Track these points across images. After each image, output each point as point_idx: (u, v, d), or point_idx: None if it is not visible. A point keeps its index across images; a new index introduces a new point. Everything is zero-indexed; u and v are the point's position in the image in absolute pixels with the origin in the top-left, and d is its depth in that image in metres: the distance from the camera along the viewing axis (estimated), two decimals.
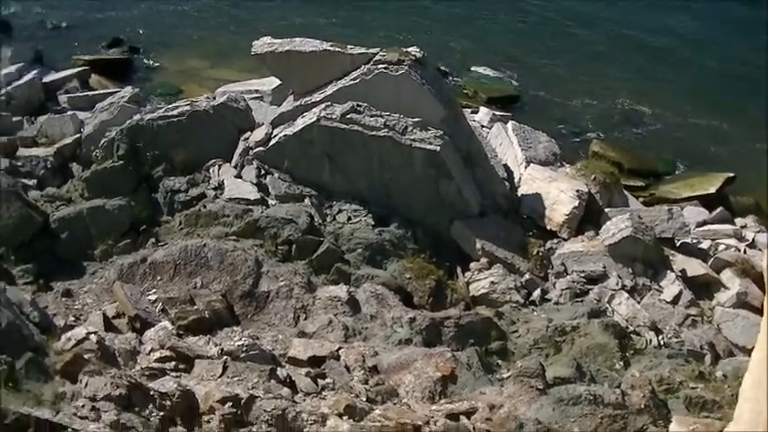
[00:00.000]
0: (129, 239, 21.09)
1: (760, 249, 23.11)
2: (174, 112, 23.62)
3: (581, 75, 35.15)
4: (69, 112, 26.54)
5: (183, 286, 18.85)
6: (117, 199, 21.68)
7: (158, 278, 19.16)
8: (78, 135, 24.90)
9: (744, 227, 25.54)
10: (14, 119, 26.47)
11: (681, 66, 36.04)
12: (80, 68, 31.92)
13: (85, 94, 29.41)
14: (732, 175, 29.07)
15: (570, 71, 35.36)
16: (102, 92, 29.27)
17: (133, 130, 23.20)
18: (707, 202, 27.22)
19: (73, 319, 17.21)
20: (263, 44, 23.82)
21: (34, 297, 17.07)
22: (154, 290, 18.75)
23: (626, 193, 25.63)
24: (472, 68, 34.95)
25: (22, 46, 33.53)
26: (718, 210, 26.00)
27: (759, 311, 20.17)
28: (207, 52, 35.28)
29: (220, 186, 22.61)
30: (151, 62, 34.87)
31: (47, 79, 30.27)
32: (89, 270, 20.16)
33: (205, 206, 21.84)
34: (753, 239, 24.06)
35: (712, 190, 28.28)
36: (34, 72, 30.06)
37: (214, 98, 24.84)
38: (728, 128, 32.50)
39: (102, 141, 23.49)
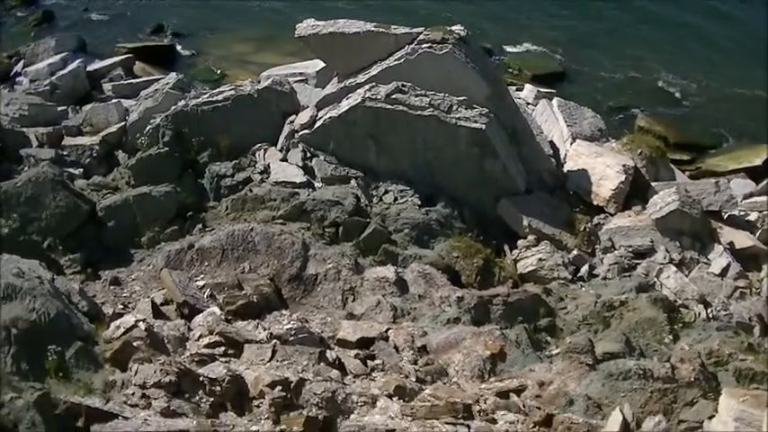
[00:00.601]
0: (176, 226, 21.09)
1: None
2: (219, 98, 23.71)
3: (626, 50, 34.85)
4: (114, 100, 26.67)
5: (230, 271, 18.88)
6: (163, 186, 21.67)
7: (206, 264, 19.21)
8: (123, 123, 25.00)
9: None
10: (59, 108, 26.70)
11: (723, 40, 35.60)
12: (124, 56, 32.12)
13: (129, 81, 29.60)
14: None
15: (614, 48, 35.06)
16: (146, 79, 29.48)
17: (178, 117, 23.38)
18: (753, 174, 27.02)
19: (121, 307, 17.25)
20: (306, 26, 23.82)
21: (82, 286, 17.17)
22: (201, 276, 18.81)
23: (672, 167, 25.51)
24: (516, 46, 34.75)
25: (65, 35, 33.78)
26: (765, 182, 25.77)
27: None
28: (250, 36, 35.36)
29: (266, 170, 22.70)
30: (195, 48, 34.99)
31: (91, 68, 30.50)
32: (136, 258, 20.22)
33: (251, 190, 21.90)
34: None
35: (758, 162, 28.14)
36: (78, 61, 30.33)
37: (258, 82, 24.87)
38: None
39: (147, 128, 23.72)
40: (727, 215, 22.54)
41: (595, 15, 37.15)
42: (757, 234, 22.07)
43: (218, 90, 24.59)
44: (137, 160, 23.02)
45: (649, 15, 37.00)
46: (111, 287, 18.75)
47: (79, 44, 33.07)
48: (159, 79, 27.48)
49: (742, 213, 23.08)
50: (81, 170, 23.51)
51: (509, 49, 34.68)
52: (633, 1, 37.86)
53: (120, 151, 24.51)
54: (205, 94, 24.49)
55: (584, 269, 20.76)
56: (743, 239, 21.63)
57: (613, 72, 33.43)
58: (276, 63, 30.13)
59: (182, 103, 23.91)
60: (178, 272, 18.45)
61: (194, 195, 22.22)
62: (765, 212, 23.44)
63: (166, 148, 22.96)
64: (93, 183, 22.72)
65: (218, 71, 32.86)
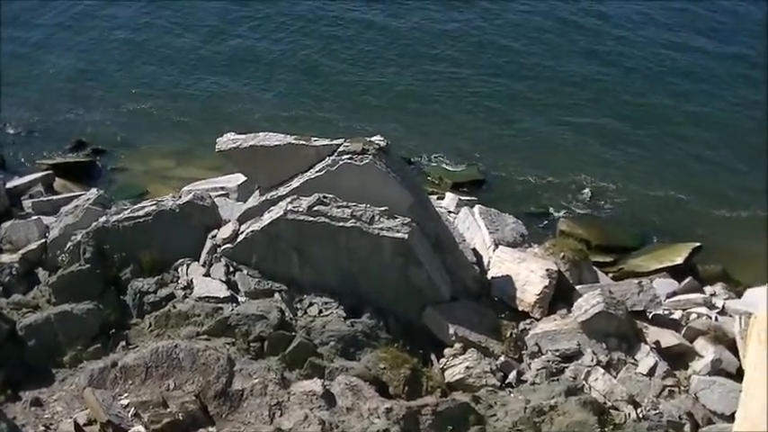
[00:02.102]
0: (99, 344, 20.90)
1: (731, 316, 23.25)
2: (140, 213, 23.54)
3: (543, 154, 35.44)
4: (34, 217, 26.29)
5: (155, 389, 18.70)
6: (85, 303, 21.53)
7: (130, 382, 19.00)
8: (43, 240, 24.70)
9: (713, 295, 25.75)
10: None
11: (637, 142, 36.47)
12: (44, 173, 31.88)
13: (50, 198, 29.25)
14: (698, 244, 29.42)
15: (531, 153, 35.62)
16: (66, 195, 29.13)
17: (99, 233, 23.13)
18: (675, 272, 27.46)
19: (43, 428, 17.09)
20: (226, 140, 23.85)
21: (2, 408, 16.84)
22: (126, 394, 18.57)
23: (595, 269, 25.76)
24: (436, 155, 35.13)
25: None
26: (687, 280, 26.21)
27: (735, 377, 20.33)
28: (171, 151, 35.34)
29: (189, 285, 22.51)
30: (115, 164, 34.79)
31: (10, 185, 30.11)
32: (58, 377, 19.97)
33: (175, 306, 21.73)
34: (723, 307, 24.23)
35: (680, 261, 28.53)
36: None
37: (180, 197, 24.77)
38: (690, 198, 32.82)
39: (67, 245, 23.43)
40: (651, 315, 22.76)
41: (512, 121, 37.76)
42: (682, 332, 22.28)
43: (139, 206, 24.40)
44: (58, 278, 22.73)
45: (562, 119, 37.72)
46: (33, 408, 18.51)
47: None
48: (80, 195, 27.15)
49: (666, 312, 23.37)
50: (0, 289, 23.10)
51: (429, 157, 35.00)
52: (551, 109, 38.59)
53: (40, 269, 24.16)
54: (126, 209, 24.26)
55: (513, 375, 20.69)
56: (669, 338, 21.83)
57: (532, 177, 33.87)
58: (197, 177, 30.19)
59: (103, 219, 23.66)
60: (101, 391, 18.24)
61: (117, 312, 21.98)
62: (689, 310, 23.78)
63: (88, 265, 22.68)
64: (13, 301, 22.44)
65: (140, 187, 32.63)
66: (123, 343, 20.94)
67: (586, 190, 33.10)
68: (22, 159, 34.71)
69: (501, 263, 23.65)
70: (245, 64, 41.94)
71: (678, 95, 39.29)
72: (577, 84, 40.18)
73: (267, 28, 44.99)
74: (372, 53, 42.65)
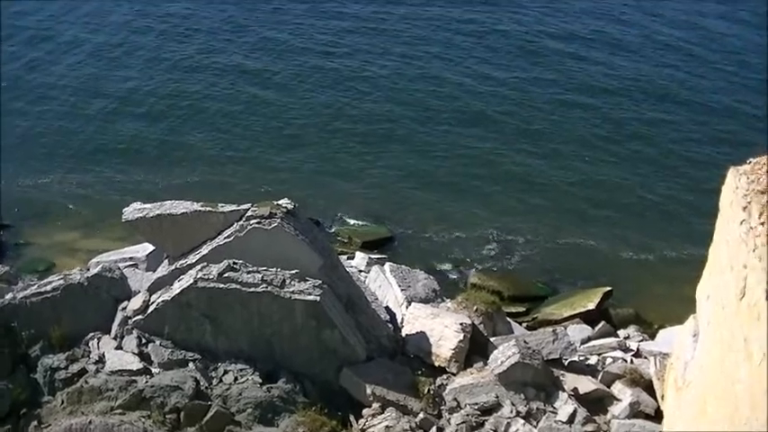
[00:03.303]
0: (9, 425, 20.41)
1: (646, 358, 23.54)
2: (48, 288, 23.11)
3: (450, 209, 35.81)
4: None
5: None
6: None
7: None
8: None
9: (627, 338, 26.19)
10: None
11: (545, 189, 37.11)
12: None
13: None
14: (609, 289, 29.92)
15: (438, 209, 36.00)
16: None
17: (6, 310, 22.63)
18: (589, 318, 27.89)
19: None
20: (133, 210, 23.59)
21: None
22: None
23: (509, 320, 25.98)
24: (344, 215, 35.24)
25: None
26: (601, 324, 26.61)
27: (653, 419, 20.59)
28: (77, 223, 34.91)
29: (101, 360, 22.12)
30: (20, 238, 34.17)
31: None
32: None
33: (87, 382, 21.29)
34: (637, 349, 24.59)
35: (592, 306, 28.96)
36: None
37: (88, 269, 24.43)
38: (597, 244, 33.42)
39: None
40: (567, 362, 22.95)
41: (418, 178, 38.11)
42: (599, 377, 22.49)
43: (46, 280, 23.93)
44: None
45: (467, 175, 38.20)
46: None
47: None
48: None
49: (582, 358, 23.64)
50: None
51: (337, 217, 35.08)
52: (455, 166, 39.03)
53: None
54: (33, 285, 23.83)
55: (433, 431, 20.66)
56: (586, 384, 22.00)
57: (441, 232, 34.20)
58: (105, 248, 29.80)
59: (9, 295, 23.15)
60: None
61: (27, 391, 21.44)
62: (604, 354, 24.06)
63: None
64: None
65: (46, 261, 32.09)
66: (35, 423, 20.43)
67: (495, 243, 33.45)
68: None
69: (415, 319, 23.70)
70: (144, 135, 41.71)
71: (576, 146, 40.19)
72: (477, 144, 40.80)
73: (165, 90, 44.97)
74: (270, 118, 42.87)
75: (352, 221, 34.98)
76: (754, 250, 10.21)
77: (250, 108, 43.98)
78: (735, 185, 11.62)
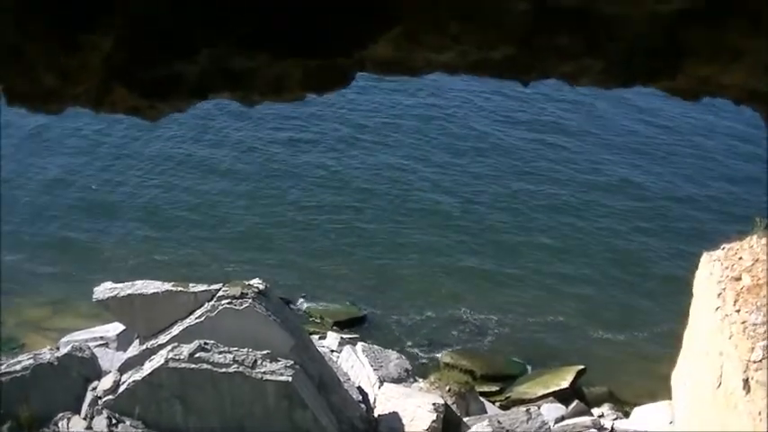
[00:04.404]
0: None
1: None
2: (17, 367, 22.96)
3: (420, 290, 35.82)
4: None
5: None
6: None
7: None
8: None
9: (601, 416, 26.14)
10: None
11: (513, 273, 37.25)
12: None
13: None
14: (582, 367, 29.81)
15: (408, 289, 35.99)
16: None
17: None
18: (562, 397, 27.74)
19: None
20: (104, 290, 23.55)
21: None
22: None
23: (482, 399, 25.94)
24: (315, 294, 35.17)
25: None
26: (575, 403, 26.55)
27: None
28: (46, 300, 34.50)
29: None
30: None
31: None
32: None
33: None
34: (612, 427, 24.60)
35: (565, 385, 28.84)
36: None
37: (58, 348, 24.32)
38: (568, 323, 33.50)
39: None
40: None
41: (389, 257, 38.13)
42: None
43: (15, 360, 23.78)
44: None
45: (436, 254, 38.31)
46: None
47: None
48: None
49: None
50: None
51: (308, 297, 35.02)
52: (425, 245, 39.15)
53: None
54: (2, 364, 23.60)
55: None
56: None
57: (411, 312, 34.09)
58: (75, 327, 29.44)
59: None
60: None
61: None
62: None
63: None
64: None
65: (15, 339, 31.72)
66: None
67: (466, 321, 33.43)
68: None
69: (387, 400, 23.63)
70: (114, 212, 41.64)
71: (543, 227, 40.46)
72: (450, 220, 40.95)
73: (132, 177, 44.87)
74: (239, 195, 42.93)
75: (322, 300, 34.90)
76: (729, 338, 10.29)
77: (215, 192, 43.93)
78: (709, 272, 11.73)
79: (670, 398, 14.61)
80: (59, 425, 22.46)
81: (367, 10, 4.83)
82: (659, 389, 21.70)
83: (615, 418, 25.85)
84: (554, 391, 28.37)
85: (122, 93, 5.35)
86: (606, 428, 24.62)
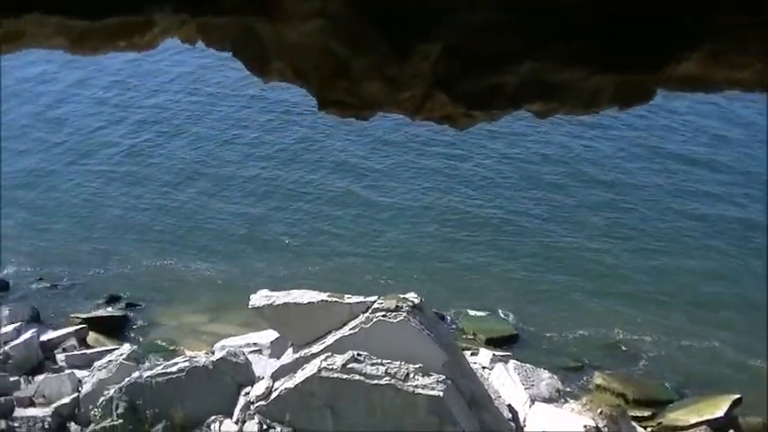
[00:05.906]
0: None
1: None
2: (173, 369, 23.61)
3: (574, 308, 35.30)
4: (67, 371, 26.60)
5: None
6: None
7: None
8: (76, 394, 24.92)
9: None
10: (12, 378, 26.47)
11: (669, 293, 36.35)
12: (77, 326, 32.02)
13: (83, 352, 29.47)
14: (738, 396, 28.82)
15: (562, 307, 35.50)
16: (99, 350, 29.37)
17: (132, 388, 23.18)
18: (716, 426, 26.91)
19: None
20: (260, 297, 23.99)
21: None
22: None
23: (634, 424, 25.38)
24: (469, 310, 35.02)
25: (19, 305, 33.83)
26: None
27: None
28: (204, 307, 35.31)
29: None
30: (148, 318, 34.80)
31: (44, 338, 30.39)
32: None
33: None
34: None
35: (720, 414, 27.96)
36: (32, 331, 30.22)
37: (213, 353, 24.88)
38: (724, 348, 32.49)
39: (100, 400, 23.48)
40: None
41: (543, 275, 37.71)
42: None
43: (172, 362, 24.50)
44: None
45: (591, 269, 37.71)
46: None
47: (33, 314, 33.05)
48: (113, 350, 27.41)
49: None
50: None
51: (462, 313, 34.88)
52: (581, 264, 38.63)
53: (72, 423, 24.32)
54: (159, 365, 24.38)
55: None
56: None
57: (565, 331, 33.59)
58: (230, 333, 30.13)
59: (136, 374, 23.78)
60: None
61: None
62: None
63: (120, 421, 22.72)
64: None
65: (172, 342, 32.59)
66: None
67: (619, 342, 32.81)
68: (57, 313, 34.76)
69: (538, 419, 23.34)
70: (269, 222, 42.34)
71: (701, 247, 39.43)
72: (606, 237, 40.29)
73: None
74: (394, 212, 43.06)
75: (477, 317, 34.71)
76: None
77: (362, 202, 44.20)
78: None
79: None
80: (212, 427, 22.95)
81: (669, 31, 4.88)
82: None
83: None
84: (708, 420, 27.52)
85: (442, 100, 5.46)
86: None
